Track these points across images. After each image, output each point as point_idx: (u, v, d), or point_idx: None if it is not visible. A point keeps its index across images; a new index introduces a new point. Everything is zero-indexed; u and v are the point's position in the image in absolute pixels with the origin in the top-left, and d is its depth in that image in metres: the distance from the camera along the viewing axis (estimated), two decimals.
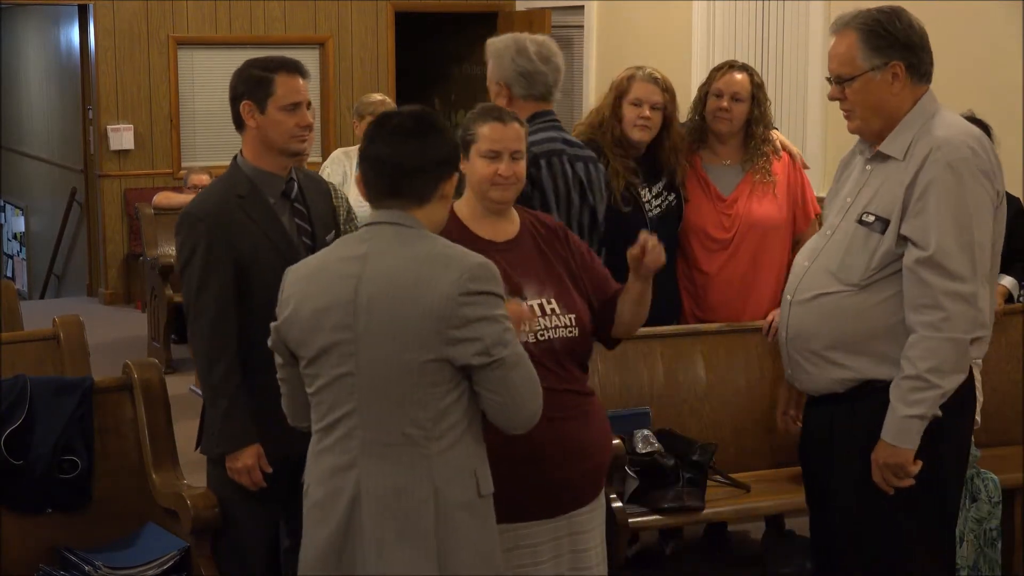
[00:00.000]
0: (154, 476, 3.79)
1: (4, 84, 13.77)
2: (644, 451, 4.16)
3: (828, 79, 3.29)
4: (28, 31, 13.07)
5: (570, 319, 3.25)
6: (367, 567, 2.77)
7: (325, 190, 3.84)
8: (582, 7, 10.24)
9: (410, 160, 2.80)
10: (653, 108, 4.52)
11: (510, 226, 3.31)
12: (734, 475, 4.43)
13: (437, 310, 2.68)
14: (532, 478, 3.15)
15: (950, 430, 3.26)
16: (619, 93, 4.59)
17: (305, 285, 2.85)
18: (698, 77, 8.15)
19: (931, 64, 3.24)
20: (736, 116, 4.66)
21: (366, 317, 2.74)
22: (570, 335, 3.24)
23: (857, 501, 3.28)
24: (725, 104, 4.65)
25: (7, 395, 3.75)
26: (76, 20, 10.66)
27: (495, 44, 4.19)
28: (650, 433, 4.24)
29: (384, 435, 2.75)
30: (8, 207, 14.21)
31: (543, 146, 4.00)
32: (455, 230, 3.24)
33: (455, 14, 11.19)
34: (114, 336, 8.91)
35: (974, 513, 4.30)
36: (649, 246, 3.16)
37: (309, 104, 3.63)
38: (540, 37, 4.21)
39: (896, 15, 3.19)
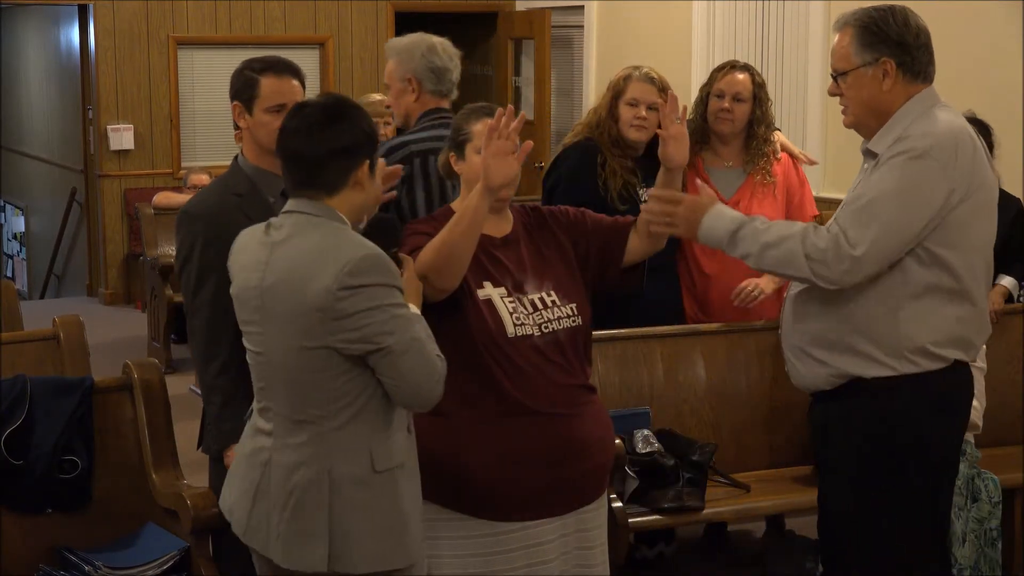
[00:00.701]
0: (154, 476, 3.79)
1: (4, 84, 13.77)
2: (644, 451, 4.16)
3: (832, 76, 3.34)
4: (28, 31, 13.07)
5: (571, 308, 3.28)
6: (269, 528, 2.94)
7: None
8: (582, 7, 10.24)
9: (318, 151, 2.89)
10: (649, 108, 4.51)
11: (505, 223, 3.33)
12: (734, 475, 4.43)
13: (319, 303, 2.80)
14: (541, 476, 3.17)
15: (939, 432, 3.28)
16: (616, 93, 4.58)
17: (235, 262, 3.06)
18: (698, 77, 8.15)
19: (929, 64, 3.27)
20: (738, 116, 4.65)
21: (269, 304, 2.91)
22: (573, 324, 3.27)
23: (854, 500, 3.29)
24: (727, 104, 4.64)
25: (7, 395, 3.75)
26: (76, 20, 10.66)
27: (399, 43, 4.23)
28: (650, 433, 4.24)
29: (289, 412, 2.92)
30: (8, 207, 14.22)
31: (422, 144, 4.03)
32: None
33: (455, 14, 11.18)
34: (114, 336, 8.90)
35: (975, 513, 4.30)
36: (672, 133, 3.26)
37: None
38: (441, 38, 4.28)
39: (892, 13, 3.23)
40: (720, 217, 3.27)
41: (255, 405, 3.05)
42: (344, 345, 2.80)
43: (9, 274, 13.93)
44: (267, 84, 3.54)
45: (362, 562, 2.88)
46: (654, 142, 4.56)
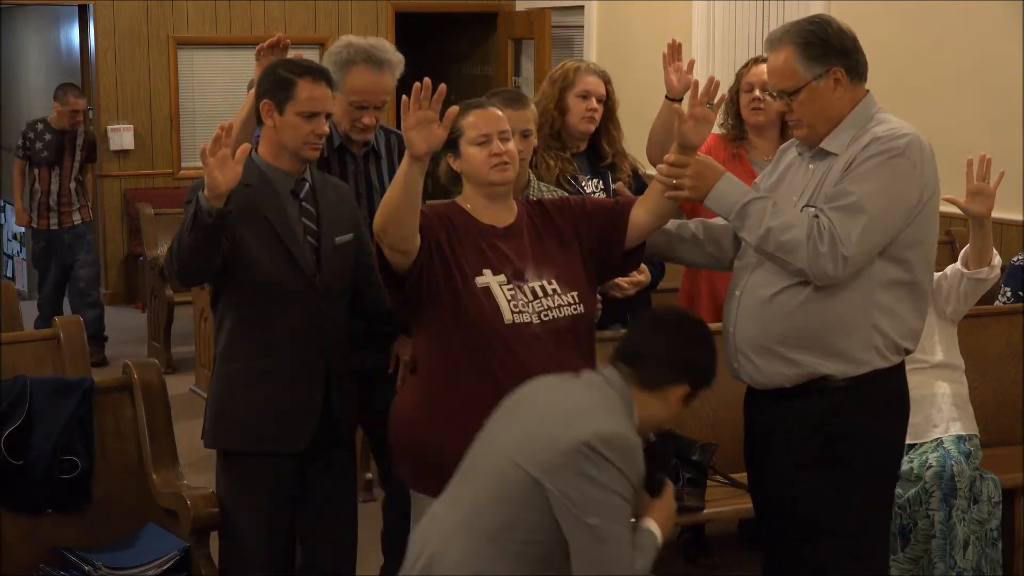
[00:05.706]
0: (154, 476, 3.79)
1: (4, 84, 13.76)
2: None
3: (771, 94, 3.37)
4: (28, 31, 13.06)
5: (572, 296, 3.30)
6: None
7: (347, 196, 3.79)
8: (582, 7, 10.24)
9: None
10: (599, 100, 4.58)
11: (509, 214, 3.37)
12: (734, 475, 4.42)
13: (565, 446, 2.86)
14: None
15: (895, 425, 3.39)
16: (564, 86, 4.63)
17: None
18: (699, 77, 8.13)
19: (866, 65, 3.33)
20: (770, 105, 4.68)
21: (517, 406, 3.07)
22: (575, 312, 3.29)
23: (809, 498, 3.31)
24: (758, 94, 4.69)
25: (7, 395, 3.75)
26: (76, 20, 10.65)
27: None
28: (650, 433, 4.23)
29: (481, 527, 2.92)
30: (8, 207, 14.20)
31: None
32: (457, 217, 3.31)
33: (455, 14, 11.18)
34: (114, 336, 8.89)
35: (975, 515, 4.30)
36: (695, 112, 3.28)
37: (329, 115, 3.60)
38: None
39: (827, 23, 3.29)
40: (733, 185, 3.30)
41: None
42: (558, 493, 2.79)
43: (9, 274, 13.93)
44: (305, 88, 3.51)
45: None
46: (596, 136, 4.61)
